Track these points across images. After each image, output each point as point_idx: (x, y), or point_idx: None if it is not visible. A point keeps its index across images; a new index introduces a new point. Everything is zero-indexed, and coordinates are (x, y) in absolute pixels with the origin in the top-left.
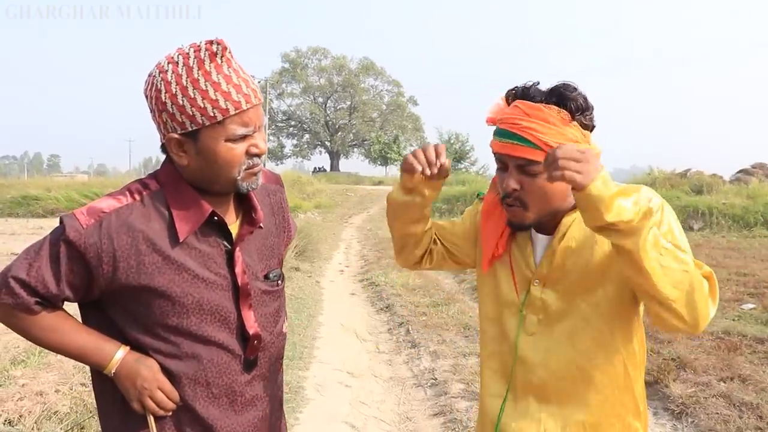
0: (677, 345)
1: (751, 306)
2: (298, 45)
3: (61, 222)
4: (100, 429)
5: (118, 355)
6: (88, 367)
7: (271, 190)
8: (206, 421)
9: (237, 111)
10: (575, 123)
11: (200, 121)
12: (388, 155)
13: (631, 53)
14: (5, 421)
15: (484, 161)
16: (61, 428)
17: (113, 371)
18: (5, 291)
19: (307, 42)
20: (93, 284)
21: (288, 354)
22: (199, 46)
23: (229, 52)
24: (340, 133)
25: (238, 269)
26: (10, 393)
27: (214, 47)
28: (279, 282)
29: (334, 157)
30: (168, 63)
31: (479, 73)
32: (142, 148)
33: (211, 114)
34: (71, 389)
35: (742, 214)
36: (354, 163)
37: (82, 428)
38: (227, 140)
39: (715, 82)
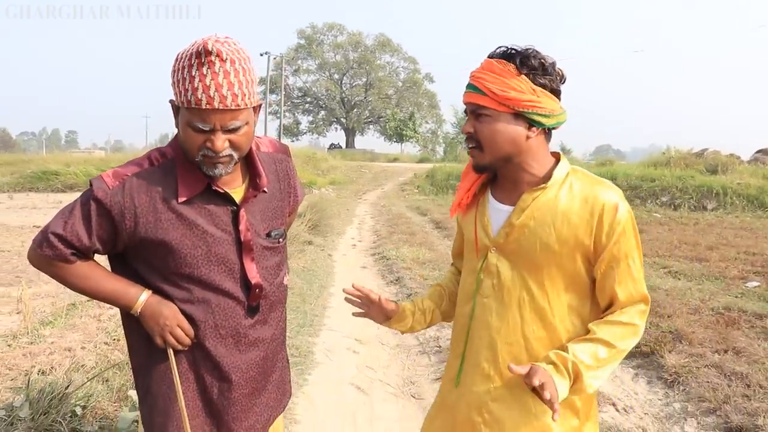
0: (677, 319)
1: (755, 284)
2: (314, 21)
3: (90, 184)
4: (121, 382)
5: (142, 297)
6: (109, 328)
7: (277, 159)
8: (215, 358)
9: (196, 106)
10: (524, 77)
11: (178, 99)
12: (404, 132)
13: (652, 34)
14: (39, 371)
15: None
16: (87, 378)
17: (139, 311)
18: (46, 245)
19: (322, 18)
20: (118, 238)
21: (299, 321)
22: (199, 45)
23: (216, 56)
24: (355, 110)
25: (241, 227)
26: (42, 348)
27: (200, 49)
28: (280, 240)
29: (350, 133)
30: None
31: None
32: (158, 124)
33: (181, 98)
34: (95, 347)
35: (757, 194)
36: (369, 140)
37: (106, 380)
38: (188, 125)
39: (742, 62)
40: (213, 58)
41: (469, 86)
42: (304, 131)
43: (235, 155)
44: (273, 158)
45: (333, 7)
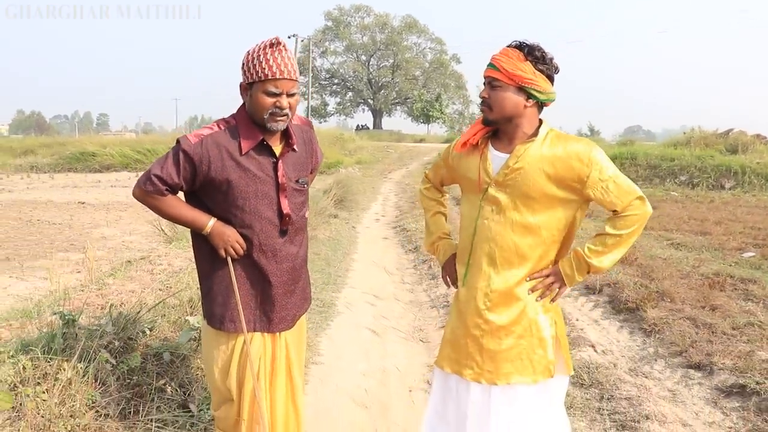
0: (665, 281)
1: (751, 254)
2: (341, 3)
3: (178, 141)
4: (176, 317)
5: (211, 222)
6: (162, 278)
7: (303, 129)
8: (259, 266)
9: (272, 77)
10: (528, 63)
11: (254, 77)
12: (431, 113)
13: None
14: (111, 305)
15: None
16: (150, 313)
17: (209, 231)
18: (149, 182)
19: (349, 0)
20: (196, 178)
21: (324, 280)
22: (272, 38)
23: (283, 46)
24: (382, 91)
25: (279, 173)
26: (110, 291)
27: (273, 40)
28: (305, 185)
29: (377, 114)
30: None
31: (525, 32)
32: (188, 106)
33: (258, 75)
34: (153, 291)
35: None
36: (396, 121)
37: (164, 315)
38: (263, 92)
39: None
40: (281, 47)
41: (489, 65)
42: (332, 112)
43: (290, 115)
44: (300, 128)
45: None
